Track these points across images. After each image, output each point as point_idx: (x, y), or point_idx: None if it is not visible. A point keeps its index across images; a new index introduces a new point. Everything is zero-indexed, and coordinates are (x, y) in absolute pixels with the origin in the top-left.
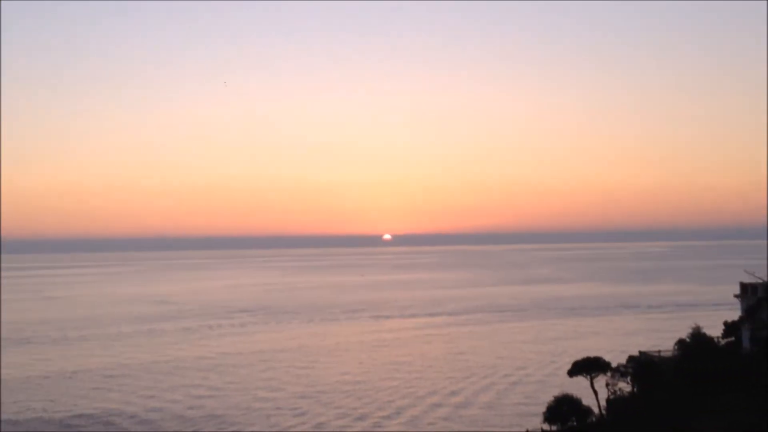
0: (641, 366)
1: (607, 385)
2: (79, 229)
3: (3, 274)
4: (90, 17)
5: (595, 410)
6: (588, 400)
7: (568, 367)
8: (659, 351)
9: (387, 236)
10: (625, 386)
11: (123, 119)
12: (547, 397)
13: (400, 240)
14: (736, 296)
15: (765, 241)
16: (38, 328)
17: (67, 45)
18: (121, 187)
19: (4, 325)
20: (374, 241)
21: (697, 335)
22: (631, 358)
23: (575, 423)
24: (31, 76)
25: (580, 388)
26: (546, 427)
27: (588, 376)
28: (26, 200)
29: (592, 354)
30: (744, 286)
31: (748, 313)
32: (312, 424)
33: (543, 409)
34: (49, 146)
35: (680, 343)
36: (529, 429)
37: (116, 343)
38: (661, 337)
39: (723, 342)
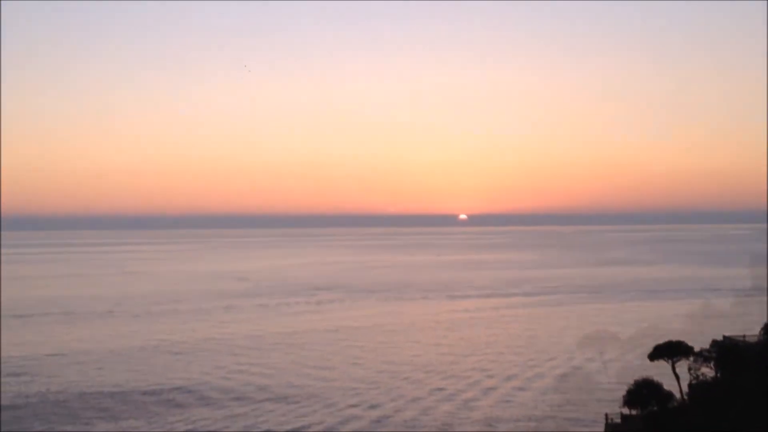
0: (725, 351)
1: (690, 369)
2: (145, 207)
3: (86, 248)
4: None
5: (677, 395)
6: (669, 384)
7: (649, 350)
8: (744, 335)
9: (463, 216)
10: (708, 371)
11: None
12: (628, 381)
13: (475, 220)
14: None
15: None
16: (126, 302)
17: (86, 18)
18: (192, 167)
19: (95, 299)
20: (450, 220)
21: None
22: (714, 343)
23: (655, 407)
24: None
25: (661, 372)
26: (626, 411)
27: (670, 360)
28: (89, 180)
29: (674, 338)
30: None
31: None
32: (386, 399)
33: (623, 393)
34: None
35: (766, 327)
36: (609, 413)
37: (202, 317)
38: (747, 321)
39: None
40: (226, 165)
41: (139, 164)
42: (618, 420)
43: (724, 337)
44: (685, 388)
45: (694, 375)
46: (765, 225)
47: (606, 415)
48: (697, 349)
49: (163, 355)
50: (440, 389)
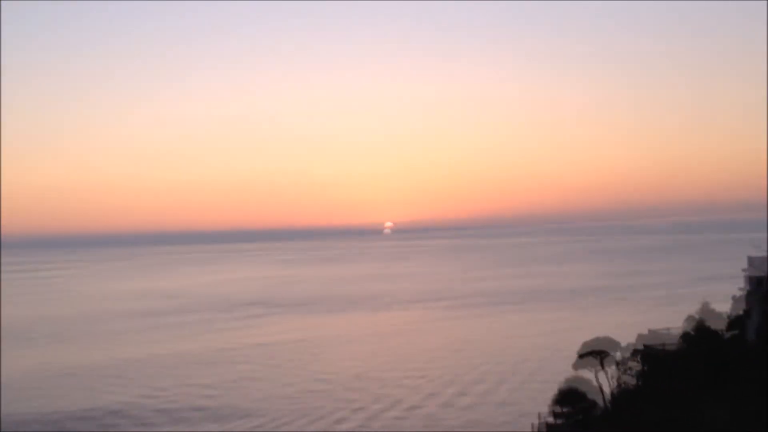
0: (647, 358)
1: (618, 365)
2: (72, 226)
3: (5, 270)
4: (86, 15)
5: (600, 403)
6: (593, 393)
7: (575, 350)
8: (668, 328)
9: (388, 225)
10: (630, 379)
11: (118, 116)
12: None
13: (400, 230)
14: (744, 271)
15: (766, 215)
16: (45, 325)
17: (66, 43)
18: (117, 184)
19: (11, 321)
20: (376, 231)
21: (702, 328)
22: (639, 337)
23: (581, 417)
24: (32, 73)
25: (585, 380)
26: (558, 409)
27: (598, 357)
28: (22, 197)
29: (602, 334)
30: (751, 260)
31: (755, 286)
32: (313, 416)
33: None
34: (45, 143)
35: (684, 335)
36: (540, 413)
37: (126, 337)
38: (669, 313)
39: (728, 335)
40: (143, 182)
41: (61, 181)
42: (550, 419)
43: (649, 330)
44: (614, 384)
45: (622, 370)
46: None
47: (539, 414)
48: (624, 344)
49: (88, 378)
50: (380, 397)
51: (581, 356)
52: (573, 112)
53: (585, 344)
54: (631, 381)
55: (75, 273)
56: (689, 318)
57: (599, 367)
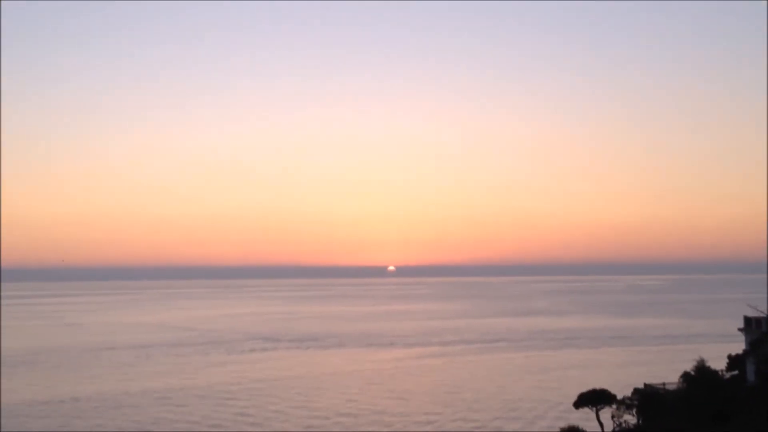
0: (646, 398)
1: (613, 417)
2: (74, 258)
3: (12, 301)
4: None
5: None
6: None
7: (572, 399)
8: (664, 383)
9: (391, 267)
10: (630, 418)
11: (120, 147)
12: (553, 429)
13: (403, 271)
14: (740, 330)
15: (765, 275)
16: (57, 354)
17: (58, 69)
18: (114, 216)
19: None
20: (379, 272)
21: (702, 368)
22: (636, 391)
23: None
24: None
25: (585, 419)
26: None
27: (594, 408)
28: (20, 229)
29: (597, 386)
30: (748, 320)
31: (753, 346)
32: None
33: None
34: (40, 175)
35: (685, 375)
36: None
37: (123, 370)
38: (666, 369)
39: (727, 375)
40: (153, 216)
41: (64, 214)
42: None
43: (645, 384)
44: (614, 423)
45: (617, 423)
46: (681, 275)
47: None
48: (619, 396)
49: (77, 409)
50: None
51: (576, 406)
52: (576, 160)
53: (581, 396)
54: (632, 420)
55: (74, 305)
56: (685, 375)
57: (602, 405)
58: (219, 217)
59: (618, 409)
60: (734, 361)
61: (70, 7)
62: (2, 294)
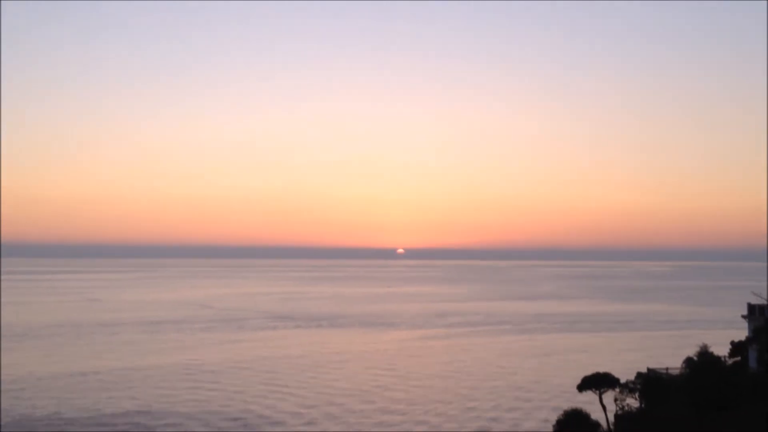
0: (649, 382)
1: (616, 400)
2: (85, 236)
3: (37, 276)
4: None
5: (603, 425)
6: (596, 415)
7: (576, 382)
8: (667, 368)
9: (400, 250)
10: (633, 402)
11: (138, 126)
12: (556, 411)
13: (412, 254)
14: (743, 317)
15: (765, 264)
16: (92, 329)
17: (69, 52)
18: (129, 196)
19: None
20: (388, 254)
21: (705, 354)
22: (639, 375)
23: None
24: (35, 79)
25: (588, 403)
26: None
27: (597, 391)
28: (33, 206)
29: (601, 370)
30: (751, 307)
31: (756, 333)
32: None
33: (550, 424)
34: (56, 153)
35: (688, 361)
36: None
37: (134, 347)
38: (669, 354)
39: (730, 361)
40: (171, 196)
41: (89, 193)
42: None
43: (648, 369)
44: (611, 419)
45: (620, 406)
46: (685, 262)
47: None
48: (623, 380)
49: (94, 382)
50: (388, 411)
51: (580, 389)
52: (582, 147)
53: (584, 379)
54: (634, 404)
55: (88, 282)
56: (688, 360)
57: (605, 389)
58: (236, 198)
59: (621, 392)
60: (737, 348)
61: None
62: (30, 270)
